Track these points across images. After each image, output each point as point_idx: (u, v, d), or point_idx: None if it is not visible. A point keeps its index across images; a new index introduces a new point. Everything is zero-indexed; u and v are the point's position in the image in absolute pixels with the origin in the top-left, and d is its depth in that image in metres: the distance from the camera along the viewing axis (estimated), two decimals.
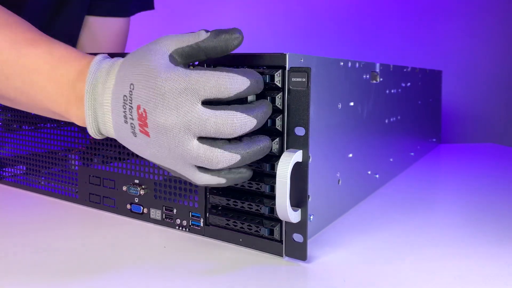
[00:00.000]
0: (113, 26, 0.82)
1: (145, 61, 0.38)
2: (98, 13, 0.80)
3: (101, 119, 0.41)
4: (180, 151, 0.37)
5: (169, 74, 0.36)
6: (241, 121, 0.37)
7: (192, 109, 0.36)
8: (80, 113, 0.42)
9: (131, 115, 0.38)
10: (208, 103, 0.37)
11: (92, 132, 0.42)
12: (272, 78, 0.40)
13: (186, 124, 0.36)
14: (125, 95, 0.38)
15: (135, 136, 0.39)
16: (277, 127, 0.41)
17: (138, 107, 0.37)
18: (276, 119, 0.41)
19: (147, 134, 0.38)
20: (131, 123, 0.38)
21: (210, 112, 0.36)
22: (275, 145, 0.41)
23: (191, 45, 0.38)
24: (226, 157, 0.37)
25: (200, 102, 0.36)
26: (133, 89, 0.38)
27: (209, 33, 0.38)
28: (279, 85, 0.40)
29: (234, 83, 0.36)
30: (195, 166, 0.38)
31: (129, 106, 0.38)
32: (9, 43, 0.45)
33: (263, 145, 0.39)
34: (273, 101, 0.41)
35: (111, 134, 0.42)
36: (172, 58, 0.38)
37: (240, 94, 0.37)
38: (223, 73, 0.36)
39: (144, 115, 0.37)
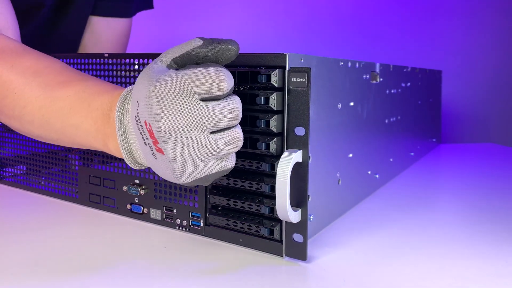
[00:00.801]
0: (116, 26, 0.83)
1: (145, 74, 0.37)
2: (101, 13, 0.80)
3: (133, 147, 0.40)
4: (203, 151, 0.36)
5: (162, 78, 0.36)
6: (240, 104, 0.37)
7: (196, 107, 0.35)
8: (117, 145, 0.41)
9: (145, 134, 0.37)
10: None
11: (129, 161, 0.41)
12: (268, 77, 0.40)
13: (195, 122, 0.35)
14: (135, 116, 0.37)
15: (156, 158, 0.37)
16: (271, 128, 0.40)
17: (145, 123, 0.36)
18: (270, 120, 0.40)
19: (161, 151, 0.36)
20: (148, 144, 0.37)
21: (215, 105, 0.36)
22: (273, 145, 0.41)
23: (183, 54, 0.37)
24: (241, 133, 0.38)
25: (199, 99, 0.36)
26: (138, 106, 0.37)
27: (202, 42, 0.37)
28: (276, 85, 0.40)
29: (228, 77, 0.36)
30: (219, 158, 0.37)
31: (140, 125, 0.37)
32: (43, 89, 0.45)
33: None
34: (266, 101, 0.40)
35: (145, 161, 0.41)
36: (170, 67, 0.38)
37: (231, 89, 0.37)
38: (216, 68, 0.36)
39: (151, 130, 0.36)
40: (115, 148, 0.42)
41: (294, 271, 0.40)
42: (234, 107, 0.36)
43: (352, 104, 0.54)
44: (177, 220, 0.48)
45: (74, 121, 0.43)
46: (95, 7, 0.79)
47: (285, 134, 0.41)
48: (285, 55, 0.40)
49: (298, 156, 0.39)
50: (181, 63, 0.37)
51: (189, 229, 0.48)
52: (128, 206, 0.52)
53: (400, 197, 0.64)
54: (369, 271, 0.40)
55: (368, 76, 0.59)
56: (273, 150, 0.41)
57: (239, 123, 0.39)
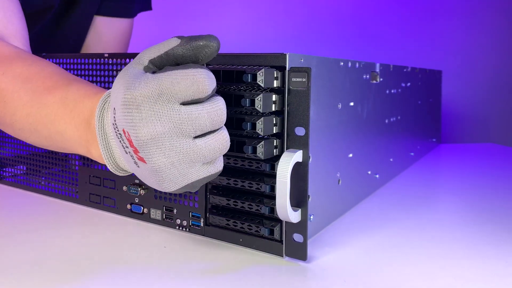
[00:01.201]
0: (118, 26, 0.83)
1: (120, 79, 0.35)
2: (105, 13, 0.81)
3: (116, 154, 0.39)
4: (188, 158, 0.34)
5: (138, 83, 0.33)
6: (224, 106, 0.35)
7: (176, 112, 0.33)
8: (99, 151, 0.40)
9: (125, 143, 0.35)
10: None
11: (113, 168, 0.40)
12: (254, 77, 0.39)
13: (176, 128, 0.33)
14: (113, 123, 0.35)
15: (138, 166, 0.35)
16: (258, 131, 0.39)
17: (124, 132, 0.34)
18: (257, 122, 0.39)
19: (142, 160, 0.34)
20: (129, 152, 0.35)
21: (197, 108, 0.33)
22: (260, 149, 0.39)
23: (161, 54, 0.35)
24: (227, 136, 0.36)
25: (180, 104, 0.33)
26: (115, 113, 0.34)
27: (179, 40, 0.35)
28: (262, 84, 0.39)
29: (210, 79, 0.34)
30: (205, 163, 0.36)
31: (119, 133, 0.35)
32: (30, 96, 0.44)
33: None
34: (252, 103, 0.39)
35: (129, 168, 0.39)
36: (147, 69, 0.35)
37: (214, 90, 0.34)
38: (196, 69, 0.33)
39: (130, 138, 0.34)
40: (98, 155, 0.40)
41: (294, 271, 0.40)
42: (217, 110, 0.34)
43: (352, 104, 0.54)
44: (177, 220, 0.48)
45: (59, 127, 0.42)
46: (99, 7, 0.80)
47: (285, 134, 0.41)
48: (285, 55, 0.40)
49: (298, 156, 0.39)
50: (160, 64, 0.35)
51: (189, 229, 0.48)
52: (128, 206, 0.52)
53: (400, 197, 0.64)
54: (369, 271, 0.40)
55: (368, 76, 0.59)
56: (260, 153, 0.39)
57: (225, 125, 0.37)
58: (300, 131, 0.40)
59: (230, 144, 0.39)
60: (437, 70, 1.04)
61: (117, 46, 0.84)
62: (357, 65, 0.55)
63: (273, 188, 0.41)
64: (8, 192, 0.63)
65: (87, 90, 0.43)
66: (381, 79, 0.64)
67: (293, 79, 0.40)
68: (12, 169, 0.65)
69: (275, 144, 0.41)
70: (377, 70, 0.62)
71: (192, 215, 0.47)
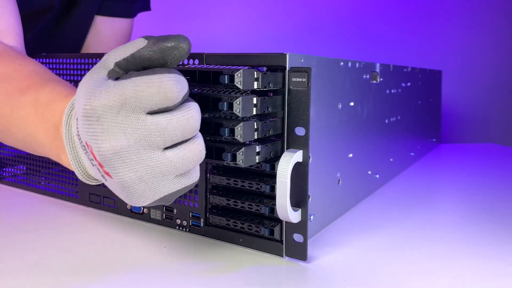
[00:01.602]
0: (119, 27, 0.83)
1: (82, 86, 0.32)
2: (105, 13, 0.81)
3: (84, 163, 0.36)
4: (158, 171, 0.31)
5: (99, 92, 0.30)
6: (197, 112, 0.32)
7: (142, 123, 0.30)
8: (68, 159, 0.37)
9: (89, 156, 0.32)
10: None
11: (83, 178, 0.37)
12: (231, 78, 0.36)
13: (143, 140, 0.30)
14: (77, 134, 0.33)
15: (106, 180, 0.33)
16: (237, 137, 0.36)
17: (87, 145, 0.32)
18: (235, 128, 0.36)
19: (109, 175, 0.32)
20: (95, 165, 0.33)
21: (165, 117, 0.31)
22: (240, 156, 0.37)
23: (127, 57, 0.32)
24: (202, 144, 0.33)
25: (146, 113, 0.30)
26: (78, 124, 0.32)
27: (146, 41, 0.32)
28: (240, 87, 0.36)
29: (179, 85, 0.31)
30: (178, 175, 0.33)
31: (83, 145, 0.33)
32: (4, 95, 0.42)
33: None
34: (230, 106, 0.36)
35: (99, 178, 0.36)
36: (113, 73, 0.32)
37: (185, 96, 0.32)
38: (164, 75, 0.30)
39: (93, 152, 0.31)
40: (67, 162, 0.38)
41: (294, 271, 0.40)
42: (189, 117, 0.31)
43: (352, 104, 0.54)
44: (177, 220, 0.48)
45: (31, 131, 0.40)
46: (99, 7, 0.80)
47: (285, 134, 0.41)
48: (285, 55, 0.40)
49: (298, 156, 0.39)
50: (126, 68, 0.32)
51: (189, 229, 0.48)
52: (128, 206, 0.52)
53: (400, 197, 0.64)
54: (369, 271, 0.40)
55: (368, 76, 0.59)
56: (240, 161, 0.37)
57: (202, 130, 0.35)
58: (300, 131, 0.40)
59: (209, 151, 0.37)
60: (437, 70, 1.04)
61: (117, 46, 0.84)
62: (357, 65, 0.55)
63: (273, 188, 0.41)
64: (8, 192, 0.63)
65: (60, 91, 0.40)
66: (381, 79, 0.64)
67: (293, 79, 0.40)
68: (12, 169, 0.65)
69: (257, 150, 0.39)
70: (377, 70, 0.62)
71: (192, 215, 0.47)
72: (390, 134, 0.70)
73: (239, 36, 1.26)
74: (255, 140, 0.40)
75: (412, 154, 0.85)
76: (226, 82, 0.36)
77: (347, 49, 1.22)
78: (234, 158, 0.37)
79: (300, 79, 0.39)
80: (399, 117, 0.74)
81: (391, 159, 0.72)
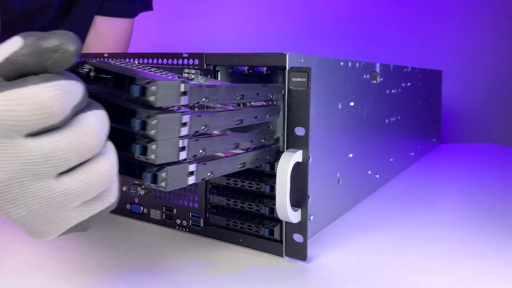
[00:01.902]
0: (119, 27, 0.83)
1: None
2: (105, 13, 0.81)
3: None
4: (55, 202, 0.26)
5: None
6: (97, 124, 0.26)
7: (20, 149, 0.24)
8: None
9: None
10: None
11: None
12: (143, 91, 0.27)
13: (26, 170, 0.25)
14: None
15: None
16: (150, 158, 0.28)
17: None
18: (149, 146, 0.28)
19: None
20: None
21: (50, 139, 0.25)
22: (164, 175, 0.29)
23: (3, 62, 0.25)
24: (110, 162, 0.27)
25: (24, 137, 0.24)
26: None
27: (22, 41, 0.25)
28: (155, 104, 0.27)
29: (65, 93, 0.24)
30: (86, 201, 0.28)
31: None
32: None
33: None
34: (143, 126, 0.28)
35: None
36: None
37: (77, 106, 0.25)
38: (38, 86, 0.24)
39: None
40: None
41: (294, 271, 0.40)
42: (85, 134, 0.25)
43: (352, 104, 0.54)
44: (177, 220, 0.48)
45: None
46: (99, 7, 0.80)
47: (285, 134, 0.41)
48: (285, 55, 0.40)
49: (298, 156, 0.39)
50: (5, 75, 0.25)
51: (189, 229, 0.48)
52: (128, 206, 0.52)
53: (400, 197, 0.64)
54: (369, 271, 0.40)
55: (368, 76, 0.59)
56: (163, 184, 0.29)
57: (118, 141, 0.29)
58: (300, 131, 0.40)
59: (131, 167, 0.30)
60: (437, 70, 1.04)
61: (117, 46, 0.84)
62: (357, 65, 0.55)
63: (273, 188, 0.41)
64: None
65: None
66: (381, 79, 0.64)
67: (293, 79, 0.40)
68: None
69: (189, 170, 0.31)
70: (377, 70, 0.62)
71: (192, 215, 0.47)
72: (390, 134, 0.70)
73: (239, 36, 1.26)
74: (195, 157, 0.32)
75: (412, 154, 0.85)
76: (136, 95, 0.27)
77: (347, 49, 1.22)
78: (154, 179, 0.29)
79: (300, 79, 0.39)
80: (399, 117, 0.74)
81: (391, 159, 0.72)
